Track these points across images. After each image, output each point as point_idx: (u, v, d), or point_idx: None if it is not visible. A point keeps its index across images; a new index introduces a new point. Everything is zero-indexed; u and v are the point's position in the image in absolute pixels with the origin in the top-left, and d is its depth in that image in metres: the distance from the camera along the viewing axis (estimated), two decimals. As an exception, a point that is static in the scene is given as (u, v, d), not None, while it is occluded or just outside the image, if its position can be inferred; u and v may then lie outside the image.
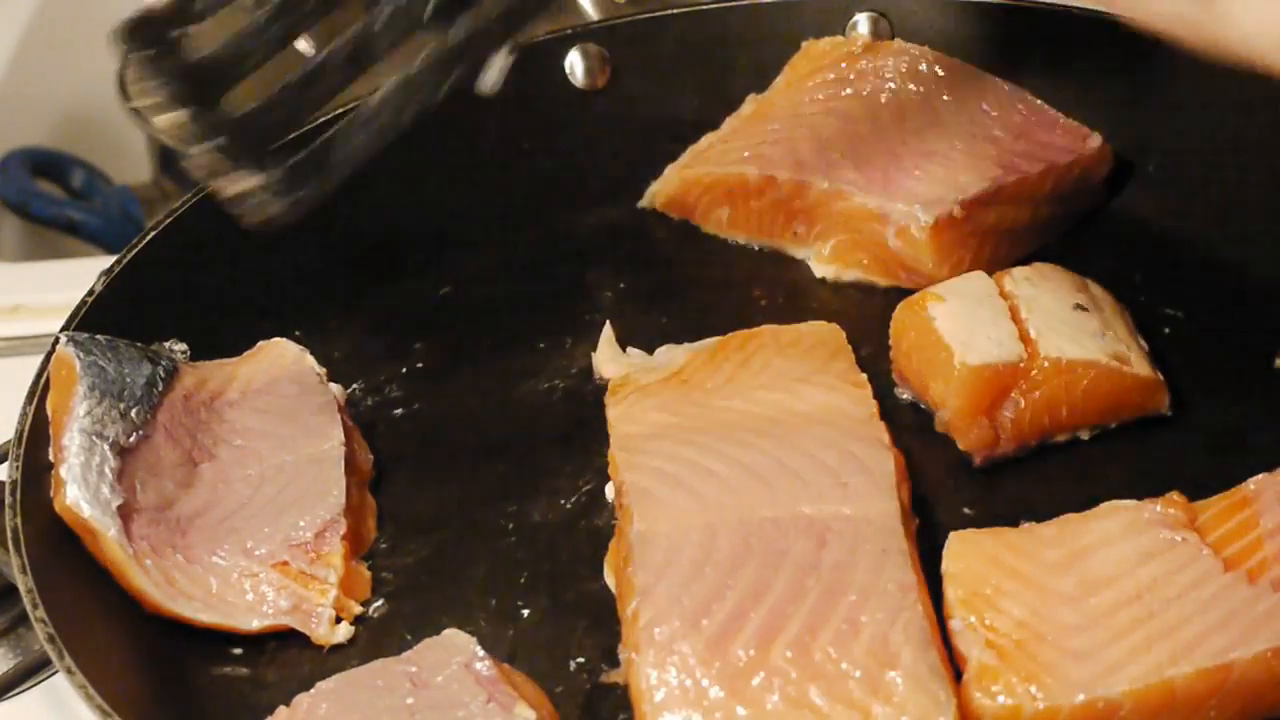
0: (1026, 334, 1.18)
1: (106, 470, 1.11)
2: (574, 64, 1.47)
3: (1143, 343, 1.22)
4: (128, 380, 1.16)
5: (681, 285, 1.39)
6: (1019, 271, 1.24)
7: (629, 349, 1.28)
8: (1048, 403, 1.17)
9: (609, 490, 1.18)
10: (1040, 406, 1.17)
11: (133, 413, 1.15)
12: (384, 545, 1.18)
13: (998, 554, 1.06)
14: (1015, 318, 1.19)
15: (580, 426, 1.24)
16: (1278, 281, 1.30)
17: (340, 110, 1.20)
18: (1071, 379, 1.17)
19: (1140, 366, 1.19)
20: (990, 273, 1.24)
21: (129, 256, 1.27)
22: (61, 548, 1.10)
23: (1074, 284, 1.24)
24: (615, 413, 1.19)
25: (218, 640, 1.11)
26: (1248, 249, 1.32)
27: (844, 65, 1.42)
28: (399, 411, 1.28)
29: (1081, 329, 1.19)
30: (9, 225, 1.85)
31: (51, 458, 1.13)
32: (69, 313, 1.23)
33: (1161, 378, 1.20)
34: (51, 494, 1.11)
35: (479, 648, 1.03)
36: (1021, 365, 1.17)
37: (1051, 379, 1.17)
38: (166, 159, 1.93)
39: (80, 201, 1.88)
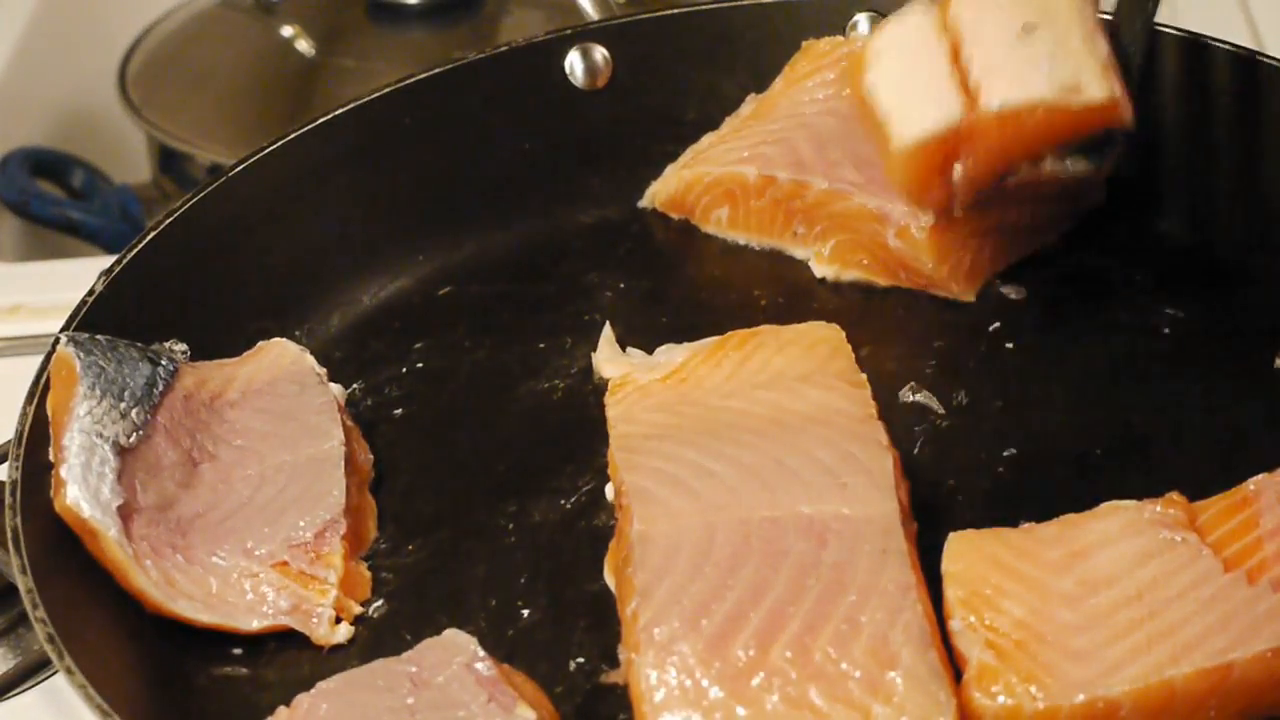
0: (966, 78, 1.14)
1: (107, 470, 1.11)
2: (574, 64, 1.47)
3: (1102, 45, 1.14)
4: (128, 380, 1.16)
5: (681, 285, 1.39)
6: None
7: (629, 349, 1.28)
8: (998, 153, 1.14)
9: (609, 490, 1.18)
10: (989, 158, 1.14)
11: (133, 413, 1.15)
12: (384, 545, 1.18)
13: (998, 554, 1.06)
14: (956, 59, 1.14)
15: (580, 426, 1.24)
16: (1278, 282, 1.30)
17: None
18: (1017, 126, 1.13)
19: (1093, 87, 1.12)
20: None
21: (129, 256, 1.27)
22: (61, 548, 1.10)
23: None
24: (615, 413, 1.19)
25: (218, 640, 1.11)
26: (1248, 249, 1.32)
27: (844, 65, 1.42)
28: (399, 411, 1.28)
29: (1028, 59, 1.12)
30: (9, 225, 1.85)
31: (51, 458, 1.13)
32: (69, 313, 1.23)
33: (1120, 91, 1.13)
34: (51, 494, 1.11)
35: (479, 648, 1.02)
36: (963, 123, 1.13)
37: (995, 131, 1.13)
38: (166, 159, 1.93)
39: (80, 201, 1.88)
